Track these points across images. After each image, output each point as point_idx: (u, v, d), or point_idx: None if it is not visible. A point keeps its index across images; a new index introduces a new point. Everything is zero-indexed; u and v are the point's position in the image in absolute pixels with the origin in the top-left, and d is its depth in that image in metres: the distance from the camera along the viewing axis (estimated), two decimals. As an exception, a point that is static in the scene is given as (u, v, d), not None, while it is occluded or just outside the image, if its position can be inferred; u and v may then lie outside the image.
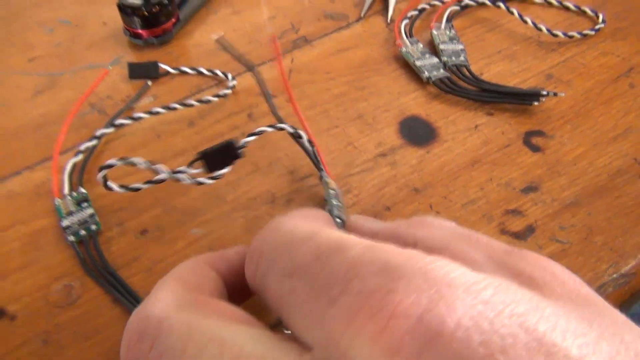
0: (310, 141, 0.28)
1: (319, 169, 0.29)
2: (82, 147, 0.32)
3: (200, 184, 0.25)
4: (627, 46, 0.38)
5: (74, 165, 0.32)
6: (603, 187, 0.30)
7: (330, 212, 0.25)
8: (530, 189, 0.30)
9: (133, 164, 0.23)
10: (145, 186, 0.25)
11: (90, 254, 0.28)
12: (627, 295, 0.27)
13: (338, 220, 0.25)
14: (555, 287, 0.16)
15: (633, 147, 0.32)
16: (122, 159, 0.23)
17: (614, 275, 0.27)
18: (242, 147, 0.24)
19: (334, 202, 0.26)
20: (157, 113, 0.34)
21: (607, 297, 0.26)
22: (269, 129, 0.25)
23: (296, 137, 0.27)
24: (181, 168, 0.24)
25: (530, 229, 0.28)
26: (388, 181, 0.31)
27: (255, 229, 0.29)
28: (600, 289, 0.26)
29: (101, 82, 0.37)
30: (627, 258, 0.27)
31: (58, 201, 0.30)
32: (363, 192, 0.30)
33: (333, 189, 0.27)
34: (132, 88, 0.37)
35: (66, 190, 0.30)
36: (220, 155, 0.24)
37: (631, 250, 0.27)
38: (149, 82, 0.37)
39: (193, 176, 0.25)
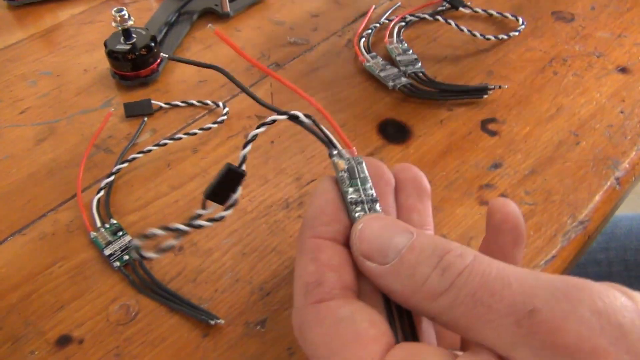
0: (313, 120, 0.25)
1: (328, 147, 0.26)
2: (103, 183, 0.35)
3: (222, 218, 0.24)
4: (546, 41, 0.46)
5: (99, 201, 0.34)
6: (551, 157, 0.37)
7: (346, 206, 0.23)
8: (495, 165, 0.37)
9: (170, 230, 0.24)
10: (176, 242, 0.25)
11: (138, 275, 0.31)
12: (586, 238, 0.34)
13: (356, 214, 0.23)
14: None
15: (567, 122, 0.39)
16: (162, 227, 0.24)
17: (574, 224, 0.33)
18: (242, 164, 0.24)
19: (344, 188, 0.23)
20: (165, 144, 0.37)
21: (571, 242, 0.33)
22: (280, 117, 0.24)
23: (294, 119, 0.25)
24: (197, 212, 0.24)
25: (502, 197, 0.35)
26: (380, 176, 0.36)
27: (278, 231, 0.33)
28: (565, 236, 0.33)
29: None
30: (581, 209, 0.34)
31: (94, 234, 0.33)
32: (361, 187, 0.35)
33: (342, 171, 0.24)
34: (130, 126, 0.40)
35: (98, 223, 0.33)
36: (225, 184, 0.23)
37: (582, 203, 0.34)
38: (145, 119, 0.40)
39: (210, 216, 0.24)
